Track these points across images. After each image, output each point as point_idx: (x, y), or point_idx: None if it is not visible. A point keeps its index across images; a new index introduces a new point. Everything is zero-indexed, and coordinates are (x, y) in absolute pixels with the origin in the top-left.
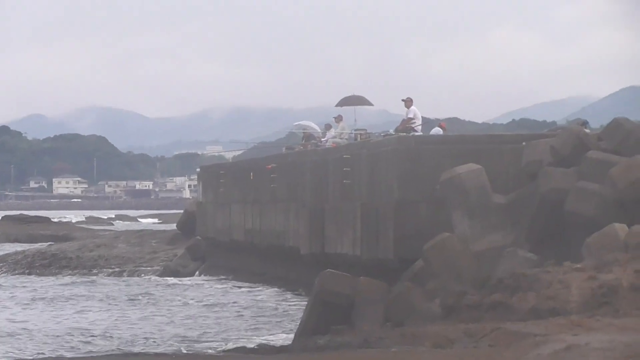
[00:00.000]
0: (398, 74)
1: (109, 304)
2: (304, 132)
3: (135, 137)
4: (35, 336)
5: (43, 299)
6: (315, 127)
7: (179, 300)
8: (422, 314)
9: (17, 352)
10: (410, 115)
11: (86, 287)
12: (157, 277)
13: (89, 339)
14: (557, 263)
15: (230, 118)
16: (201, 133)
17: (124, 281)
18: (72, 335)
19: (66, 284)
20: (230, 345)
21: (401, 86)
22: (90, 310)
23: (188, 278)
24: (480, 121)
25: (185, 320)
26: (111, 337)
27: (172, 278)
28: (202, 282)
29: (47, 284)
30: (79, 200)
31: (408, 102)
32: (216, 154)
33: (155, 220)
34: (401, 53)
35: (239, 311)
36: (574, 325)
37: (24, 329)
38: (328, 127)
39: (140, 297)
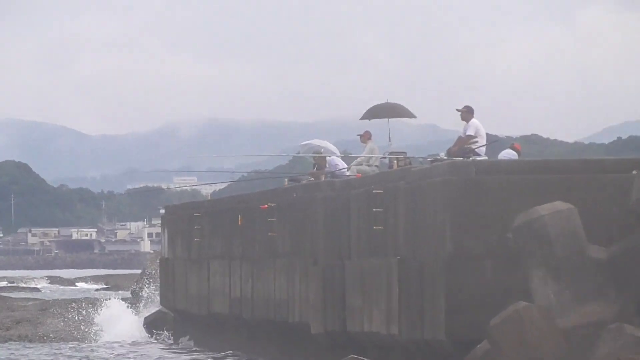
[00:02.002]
0: (451, 75)
1: None
2: (315, 157)
3: (70, 164)
4: None
5: None
6: (332, 148)
7: None
8: None
9: None
10: (470, 132)
11: None
12: None
13: None
14: None
15: (206, 136)
16: (165, 158)
17: None
18: None
19: None
20: None
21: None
22: None
23: None
24: (571, 140)
25: None
26: None
27: None
28: None
29: None
30: None
31: (466, 114)
32: (188, 188)
33: (101, 284)
34: (454, 46)
35: None
36: None
37: None
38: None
39: None
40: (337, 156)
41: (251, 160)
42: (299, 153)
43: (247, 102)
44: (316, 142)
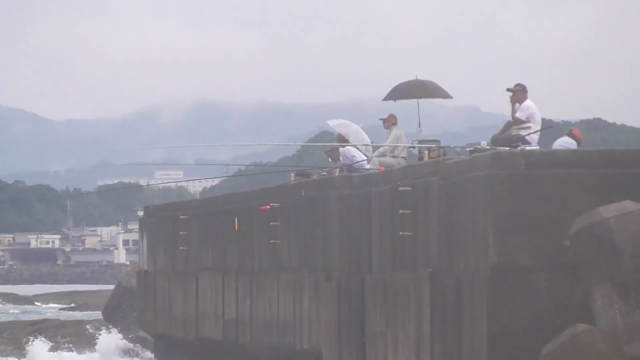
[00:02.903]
0: (493, 46)
1: None
2: (332, 145)
3: (29, 155)
4: None
5: None
6: (359, 131)
7: None
8: None
9: None
10: (521, 116)
11: None
12: None
13: None
14: None
15: (194, 121)
16: (145, 148)
17: None
18: None
19: None
20: None
21: (500, 66)
22: None
23: None
24: None
25: None
26: None
27: None
28: None
29: None
30: None
31: (520, 94)
32: (172, 184)
33: (65, 303)
34: (497, 12)
35: None
36: None
37: None
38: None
39: None
40: (362, 144)
41: (249, 151)
42: (326, 129)
43: (243, 79)
44: (341, 122)
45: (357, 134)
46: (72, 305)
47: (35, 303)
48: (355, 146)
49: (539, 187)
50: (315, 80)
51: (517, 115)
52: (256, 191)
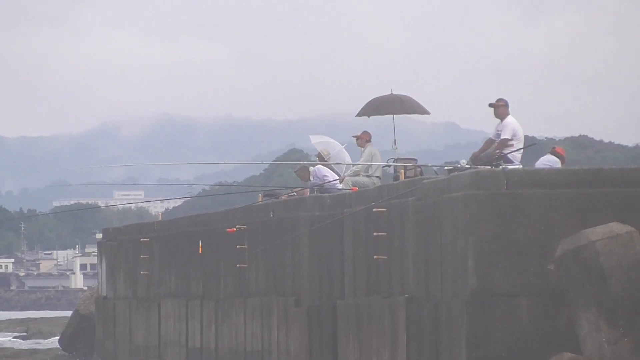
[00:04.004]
0: (472, 59)
1: None
2: (301, 164)
3: None
4: None
5: None
6: (342, 152)
7: None
8: None
9: None
10: (507, 135)
11: None
12: None
13: None
14: None
15: (156, 138)
16: (103, 168)
17: None
18: None
19: None
20: None
21: (479, 80)
22: None
23: None
24: (631, 143)
25: None
26: None
27: None
28: None
29: None
30: None
31: (502, 109)
32: (132, 205)
33: (19, 331)
34: (476, 23)
35: None
36: None
37: None
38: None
39: None
40: (345, 158)
41: (214, 170)
42: (293, 155)
43: (208, 93)
44: (323, 139)
45: (340, 155)
46: (27, 333)
47: None
48: (331, 166)
49: (521, 207)
50: (284, 95)
51: (504, 136)
52: (222, 212)
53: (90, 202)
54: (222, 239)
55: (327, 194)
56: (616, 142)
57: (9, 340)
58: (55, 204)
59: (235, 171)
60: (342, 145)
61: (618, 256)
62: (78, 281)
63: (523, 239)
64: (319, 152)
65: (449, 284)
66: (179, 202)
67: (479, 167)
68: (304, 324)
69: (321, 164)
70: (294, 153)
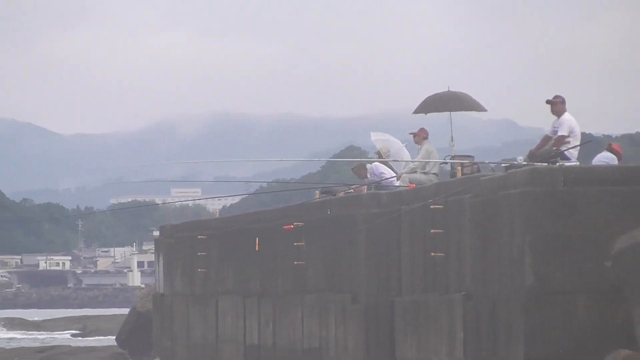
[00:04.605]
0: (530, 57)
1: None
2: (360, 161)
3: (37, 172)
4: None
5: None
6: (402, 150)
7: None
8: None
9: None
10: (563, 132)
11: None
12: None
13: None
14: None
15: (213, 135)
16: (160, 163)
17: None
18: None
19: None
20: None
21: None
22: None
23: None
24: None
25: None
26: None
27: None
28: None
29: None
30: None
31: (559, 106)
32: (190, 203)
33: (76, 329)
34: (533, 21)
35: None
36: None
37: None
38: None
39: None
40: (405, 154)
41: (272, 167)
42: (350, 152)
43: (266, 91)
44: (379, 137)
45: (400, 153)
46: (84, 331)
47: (44, 329)
48: (389, 164)
49: (578, 205)
50: (341, 93)
51: (561, 133)
52: (279, 210)
53: (147, 200)
54: (279, 236)
55: (384, 191)
56: None
57: (67, 338)
58: (113, 201)
59: (292, 168)
60: (403, 144)
61: None
62: (135, 279)
63: (580, 236)
64: (379, 150)
65: (506, 281)
66: (236, 200)
67: (535, 164)
68: (361, 321)
69: (378, 161)
70: (351, 150)
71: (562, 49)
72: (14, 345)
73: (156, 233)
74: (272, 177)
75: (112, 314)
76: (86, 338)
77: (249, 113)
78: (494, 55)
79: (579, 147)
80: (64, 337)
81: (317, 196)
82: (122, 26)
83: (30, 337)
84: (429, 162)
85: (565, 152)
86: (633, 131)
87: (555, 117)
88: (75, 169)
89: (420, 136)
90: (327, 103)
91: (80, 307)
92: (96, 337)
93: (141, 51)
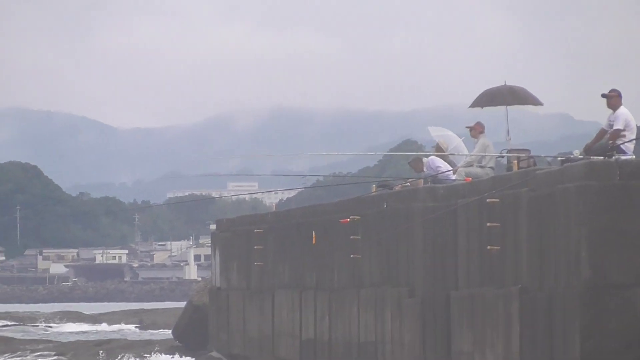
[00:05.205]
0: (585, 50)
1: None
2: (414, 155)
3: (94, 166)
4: None
5: None
6: (460, 146)
7: None
8: None
9: None
10: (619, 125)
11: None
12: None
13: None
14: None
15: (270, 129)
16: (217, 158)
17: None
18: None
19: None
20: None
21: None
22: None
23: None
24: None
25: None
26: None
27: None
28: None
29: None
30: None
31: (615, 100)
32: (247, 196)
33: (133, 322)
34: (589, 14)
35: None
36: None
37: None
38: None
39: None
40: (462, 149)
41: (328, 161)
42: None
43: (322, 84)
44: (438, 132)
45: (458, 148)
46: (140, 324)
47: (101, 322)
48: (446, 157)
49: (634, 198)
50: (398, 87)
51: (617, 127)
52: (335, 203)
53: (204, 193)
54: (335, 230)
55: (441, 185)
56: None
57: (123, 331)
58: (169, 195)
59: (349, 162)
60: (461, 138)
61: None
62: (192, 272)
63: (636, 229)
64: (437, 144)
65: (562, 274)
66: (292, 193)
67: (592, 158)
68: (418, 315)
69: (434, 155)
70: (408, 144)
71: (619, 42)
72: (71, 338)
73: (213, 227)
74: (328, 171)
75: (169, 307)
76: (143, 331)
77: (305, 107)
78: (550, 48)
79: (635, 141)
80: (120, 330)
81: (374, 190)
82: (180, 20)
83: (86, 330)
84: (485, 155)
85: (622, 146)
86: None
87: (611, 111)
88: (131, 163)
89: (477, 130)
90: (384, 97)
91: (137, 300)
92: (153, 330)
93: (199, 45)
